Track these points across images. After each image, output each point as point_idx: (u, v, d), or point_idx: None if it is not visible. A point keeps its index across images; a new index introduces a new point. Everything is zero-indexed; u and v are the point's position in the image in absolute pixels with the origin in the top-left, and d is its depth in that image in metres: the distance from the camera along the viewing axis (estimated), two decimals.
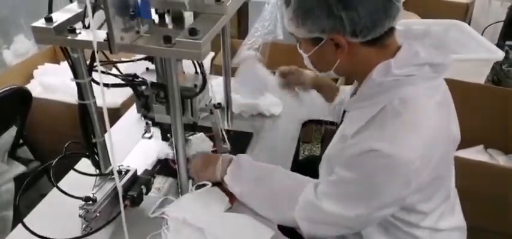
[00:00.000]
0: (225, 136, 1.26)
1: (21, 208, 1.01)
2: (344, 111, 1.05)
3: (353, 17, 0.81)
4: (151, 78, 1.06)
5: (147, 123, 1.27)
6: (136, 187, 1.06)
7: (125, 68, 1.15)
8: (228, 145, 1.27)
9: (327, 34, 0.86)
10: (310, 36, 0.88)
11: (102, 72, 0.79)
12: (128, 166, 1.08)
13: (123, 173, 1.05)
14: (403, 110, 0.83)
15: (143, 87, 1.06)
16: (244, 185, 1.09)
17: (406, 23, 2.64)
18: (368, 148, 0.82)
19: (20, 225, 1.00)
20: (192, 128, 1.15)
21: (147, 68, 1.11)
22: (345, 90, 1.34)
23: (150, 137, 1.28)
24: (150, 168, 1.23)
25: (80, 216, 0.95)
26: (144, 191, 1.07)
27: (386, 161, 0.81)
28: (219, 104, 1.17)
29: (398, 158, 0.81)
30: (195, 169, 1.15)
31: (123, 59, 1.13)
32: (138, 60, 1.08)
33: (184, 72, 1.11)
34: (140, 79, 1.05)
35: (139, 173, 1.10)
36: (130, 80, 1.05)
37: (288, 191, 1.02)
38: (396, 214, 0.93)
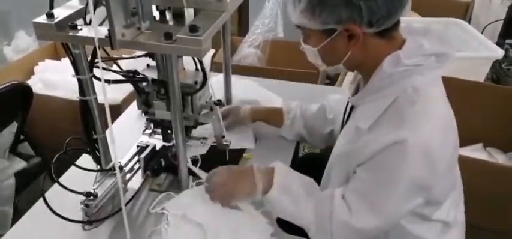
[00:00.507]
0: (225, 132, 1.26)
1: (22, 203, 1.02)
2: (351, 107, 1.05)
3: (371, 6, 0.82)
4: (152, 75, 1.06)
5: (147, 119, 1.27)
6: (156, 159, 1.15)
7: (126, 64, 1.16)
8: (228, 142, 1.27)
9: (343, 25, 0.86)
10: (324, 27, 0.87)
11: (103, 68, 0.80)
12: (148, 141, 1.19)
13: (143, 147, 1.17)
14: (417, 98, 0.85)
15: (144, 83, 1.07)
16: (292, 200, 0.97)
17: (406, 20, 2.64)
18: (390, 140, 0.83)
19: (20, 220, 1.01)
20: (192, 126, 1.15)
21: (148, 65, 1.11)
22: (291, 106, 1.32)
23: (150, 134, 1.29)
24: None
25: (81, 210, 0.96)
26: (163, 163, 1.15)
27: (410, 150, 0.82)
28: (219, 101, 1.17)
29: (424, 145, 0.82)
30: (221, 190, 1.02)
31: (124, 56, 1.14)
32: (139, 57, 1.08)
33: (184, 69, 1.12)
34: (141, 76, 1.06)
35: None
36: (131, 77, 1.06)
37: (322, 213, 0.95)
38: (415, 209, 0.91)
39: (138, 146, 1.18)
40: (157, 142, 1.27)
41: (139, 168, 1.15)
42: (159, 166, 1.15)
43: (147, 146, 1.17)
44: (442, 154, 0.85)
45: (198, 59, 1.04)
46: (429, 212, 0.95)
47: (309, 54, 0.97)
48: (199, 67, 1.06)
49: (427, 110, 0.85)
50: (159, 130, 1.23)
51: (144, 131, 1.29)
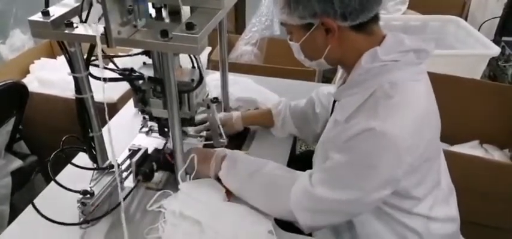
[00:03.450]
0: (222, 130, 1.26)
1: (18, 203, 1.02)
2: (334, 101, 1.07)
3: None
4: (149, 72, 1.06)
5: (144, 118, 1.27)
6: (147, 163, 1.10)
7: (122, 62, 1.15)
8: (224, 140, 1.27)
9: (318, 18, 0.88)
10: (302, 22, 0.91)
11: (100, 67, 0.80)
12: (140, 145, 1.14)
13: (135, 150, 1.12)
14: (394, 92, 0.87)
15: (140, 81, 1.06)
16: (239, 180, 1.09)
17: (403, 18, 2.65)
18: (362, 128, 0.85)
19: (16, 220, 1.01)
20: (189, 122, 1.15)
21: (144, 63, 1.11)
22: (279, 107, 1.34)
23: (147, 132, 1.29)
24: None
25: (78, 208, 0.96)
26: (155, 167, 1.11)
27: (380, 139, 0.84)
28: (216, 98, 1.17)
29: (392, 135, 0.83)
30: (191, 165, 1.15)
31: (120, 54, 1.13)
32: (136, 54, 1.08)
33: (181, 67, 1.11)
34: (137, 73, 1.05)
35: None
36: (127, 75, 1.05)
37: (281, 182, 1.03)
38: (390, 200, 0.94)
39: (129, 149, 1.15)
40: (154, 141, 1.27)
41: None
42: (151, 170, 1.11)
43: (138, 149, 1.13)
44: (411, 147, 0.86)
45: (194, 56, 1.04)
46: (409, 207, 0.97)
47: (294, 51, 1.01)
48: (195, 65, 1.06)
49: (402, 103, 0.87)
50: (156, 129, 1.23)
51: (140, 129, 1.28)
